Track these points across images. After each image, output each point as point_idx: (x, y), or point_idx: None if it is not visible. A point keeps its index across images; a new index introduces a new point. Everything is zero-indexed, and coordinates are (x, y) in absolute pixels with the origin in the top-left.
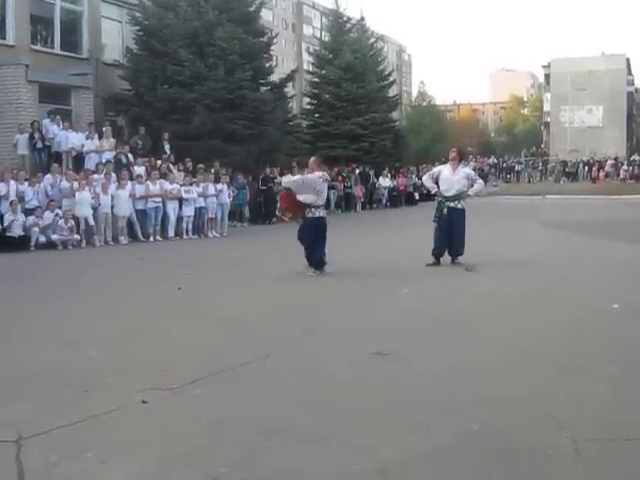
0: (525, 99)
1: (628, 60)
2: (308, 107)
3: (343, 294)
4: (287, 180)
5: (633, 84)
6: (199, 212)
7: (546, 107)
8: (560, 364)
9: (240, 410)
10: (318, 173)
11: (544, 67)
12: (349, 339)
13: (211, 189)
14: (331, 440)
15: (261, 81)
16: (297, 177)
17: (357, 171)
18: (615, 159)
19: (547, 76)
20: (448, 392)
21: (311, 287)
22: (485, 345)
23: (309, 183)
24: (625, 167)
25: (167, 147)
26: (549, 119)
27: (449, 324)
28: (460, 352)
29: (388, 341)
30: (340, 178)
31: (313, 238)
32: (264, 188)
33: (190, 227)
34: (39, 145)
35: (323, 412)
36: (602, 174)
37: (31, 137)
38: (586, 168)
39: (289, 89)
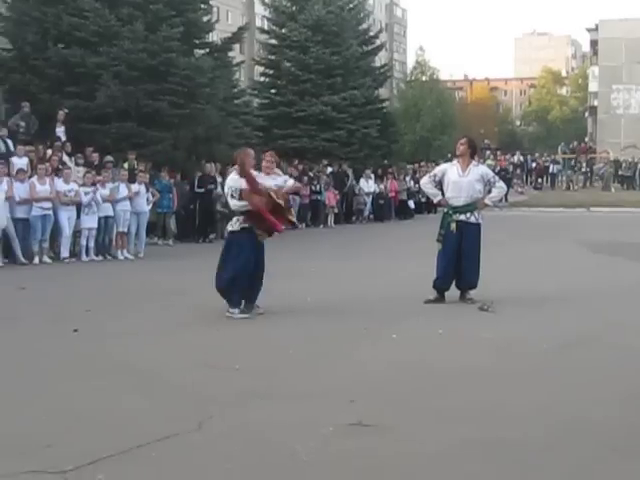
0: (563, 74)
1: None
2: (262, 80)
3: (308, 341)
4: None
5: None
6: (105, 224)
7: (592, 86)
8: (612, 443)
9: None
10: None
11: (590, 31)
12: (315, 404)
13: (123, 191)
14: None
15: (196, 41)
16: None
17: (329, 170)
18: None
19: (594, 43)
20: None
21: (262, 330)
22: (506, 416)
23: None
24: None
25: (61, 131)
26: (596, 102)
27: (455, 385)
28: (470, 425)
29: (370, 407)
30: (305, 180)
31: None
32: (200, 191)
33: (92, 244)
34: None
35: None
36: None
37: None
38: None
39: (235, 54)
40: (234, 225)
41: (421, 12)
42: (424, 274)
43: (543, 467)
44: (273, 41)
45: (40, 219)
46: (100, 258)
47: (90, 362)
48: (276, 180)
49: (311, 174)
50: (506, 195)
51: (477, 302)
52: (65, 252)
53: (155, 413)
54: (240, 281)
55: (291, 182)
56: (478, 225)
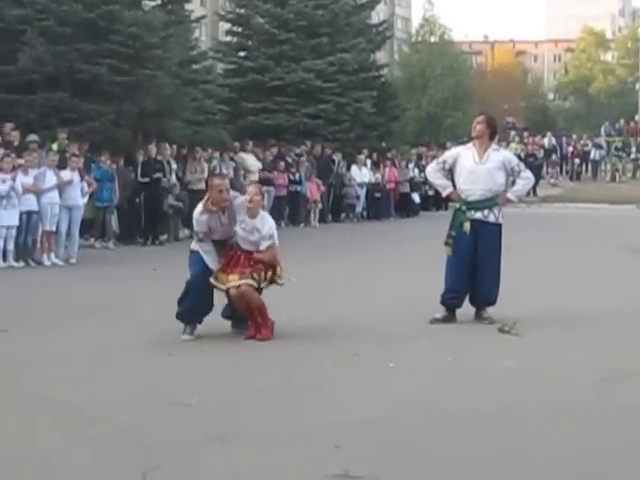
0: (608, 36)
1: None
2: (228, 40)
3: (282, 370)
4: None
5: None
6: (27, 221)
7: None
8: None
9: None
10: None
11: None
12: (290, 450)
13: (50, 180)
14: None
15: None
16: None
17: (312, 154)
18: None
19: None
20: None
21: (225, 357)
22: (529, 471)
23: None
24: None
25: None
26: None
27: (466, 430)
28: None
29: (359, 455)
30: (282, 167)
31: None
32: (146, 181)
33: (11, 247)
34: None
35: None
36: None
37: None
38: None
39: (194, 6)
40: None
41: None
42: (430, 286)
43: None
44: None
45: None
46: (21, 264)
47: (3, 396)
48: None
49: (289, 159)
50: (534, 188)
51: (496, 322)
52: None
53: (86, 461)
54: (189, 297)
55: (265, 245)
56: (498, 225)
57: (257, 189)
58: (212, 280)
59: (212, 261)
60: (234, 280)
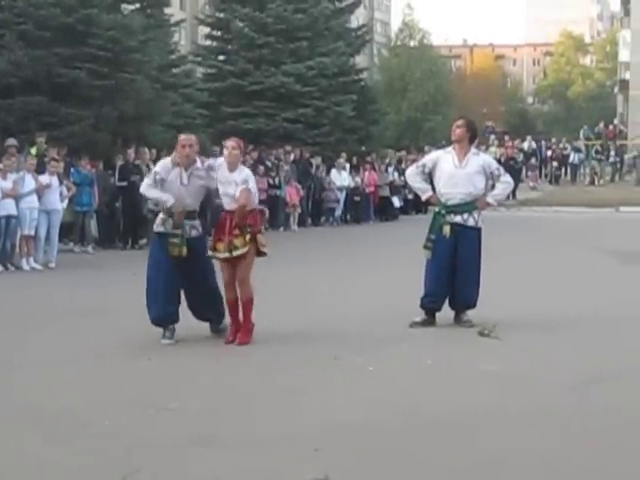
0: (587, 40)
1: None
2: (207, 43)
3: (262, 373)
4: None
5: None
6: (6, 225)
7: (623, 55)
8: None
9: None
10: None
11: None
12: (270, 454)
13: (29, 184)
14: None
15: None
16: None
17: (291, 158)
18: None
19: (625, 1)
20: None
21: (205, 361)
22: (510, 473)
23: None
24: None
25: None
26: (628, 75)
27: (446, 433)
28: None
29: (339, 459)
30: (261, 171)
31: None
32: (123, 185)
33: None
34: None
35: None
36: None
37: None
38: None
39: (173, 10)
40: (158, 225)
41: None
42: (410, 290)
43: None
44: None
45: None
46: (0, 269)
47: None
48: (233, 184)
49: (268, 163)
50: (514, 191)
51: (476, 326)
52: None
53: (66, 466)
54: (151, 295)
55: (239, 190)
56: (478, 229)
57: (235, 143)
58: (210, 252)
59: (160, 194)
60: (222, 250)
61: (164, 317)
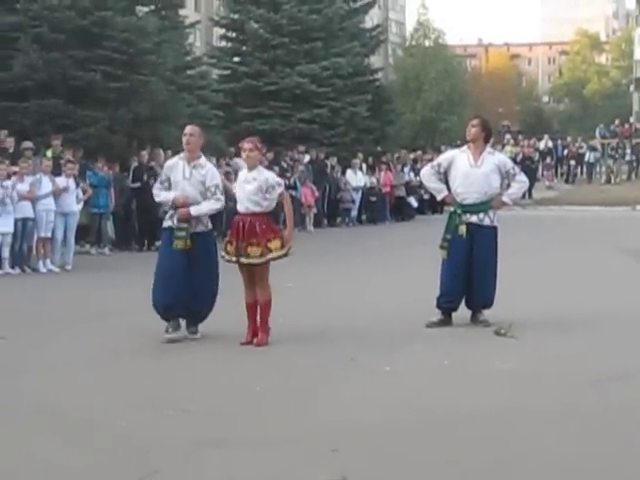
0: (602, 38)
1: None
2: (222, 45)
3: (279, 374)
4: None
5: None
6: (23, 227)
7: (638, 52)
8: None
9: None
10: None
11: None
12: (287, 455)
13: (46, 186)
14: None
15: None
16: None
17: (307, 159)
18: None
19: None
20: None
21: (221, 361)
22: (527, 473)
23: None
24: None
25: None
26: None
27: (463, 433)
28: None
29: (357, 459)
30: (277, 172)
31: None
32: (137, 186)
33: (6, 254)
34: None
35: None
36: None
37: None
38: None
39: (188, 12)
40: (166, 220)
41: None
42: (426, 290)
43: None
44: None
45: None
46: (17, 271)
47: (1, 402)
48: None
49: (284, 164)
50: (530, 190)
51: (492, 325)
52: None
53: (83, 466)
54: (157, 291)
55: (277, 193)
56: (494, 228)
57: (252, 145)
58: (222, 254)
59: (166, 195)
60: (232, 254)
61: (163, 310)
